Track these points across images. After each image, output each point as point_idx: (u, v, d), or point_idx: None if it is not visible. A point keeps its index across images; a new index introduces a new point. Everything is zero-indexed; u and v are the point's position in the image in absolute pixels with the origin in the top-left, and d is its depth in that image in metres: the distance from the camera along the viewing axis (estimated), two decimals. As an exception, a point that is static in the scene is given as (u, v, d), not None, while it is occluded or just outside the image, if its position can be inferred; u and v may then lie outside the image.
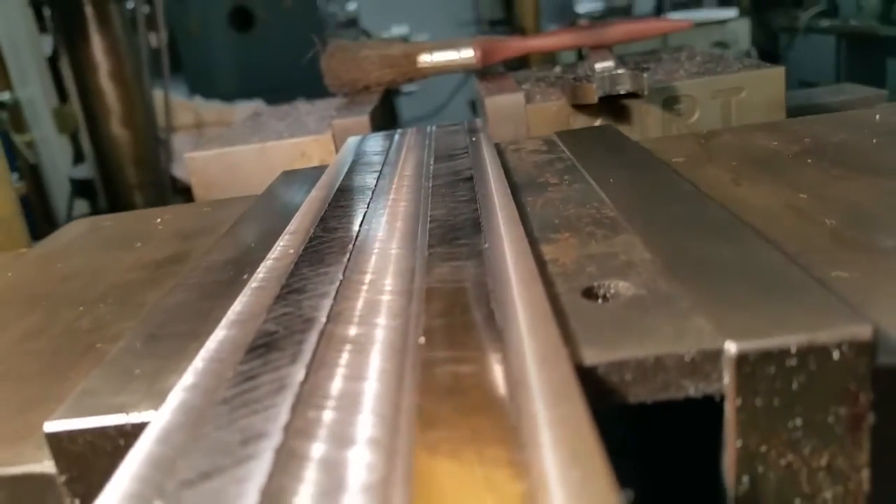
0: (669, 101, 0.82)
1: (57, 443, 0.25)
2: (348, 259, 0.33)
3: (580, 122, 0.83)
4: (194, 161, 0.82)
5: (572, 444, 0.17)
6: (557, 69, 1.06)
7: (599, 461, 0.17)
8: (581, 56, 1.30)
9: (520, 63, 1.60)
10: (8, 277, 0.47)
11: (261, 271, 0.33)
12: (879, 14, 2.96)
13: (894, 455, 0.25)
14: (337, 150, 0.81)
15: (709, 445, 0.25)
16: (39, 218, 2.10)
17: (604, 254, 0.32)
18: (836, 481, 0.24)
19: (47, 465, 0.26)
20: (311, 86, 1.28)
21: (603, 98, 0.78)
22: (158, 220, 0.56)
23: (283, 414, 0.21)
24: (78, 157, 2.58)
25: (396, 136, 0.61)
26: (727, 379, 0.23)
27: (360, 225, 0.38)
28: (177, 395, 0.23)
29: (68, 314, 0.39)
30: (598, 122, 0.83)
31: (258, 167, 0.82)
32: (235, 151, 0.83)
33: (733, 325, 0.23)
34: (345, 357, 0.24)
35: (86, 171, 2.30)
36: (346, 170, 0.52)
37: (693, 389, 0.23)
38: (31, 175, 2.19)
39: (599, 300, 0.28)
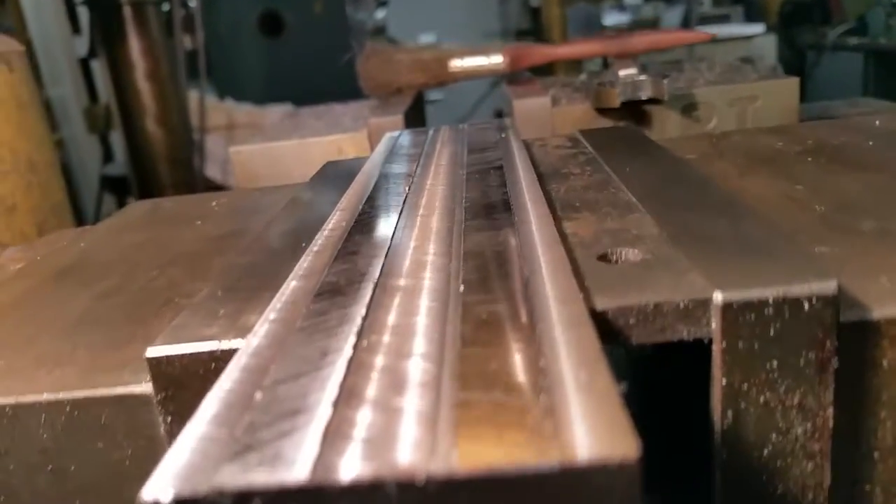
0: (688, 108, 0.86)
1: (156, 366, 0.30)
2: (394, 229, 0.38)
3: (603, 125, 0.88)
4: (238, 154, 0.88)
5: (582, 354, 0.22)
6: (583, 76, 1.11)
7: (602, 365, 0.21)
8: (606, 65, 1.35)
9: (546, 70, 1.65)
10: (81, 247, 0.53)
11: (318, 239, 0.38)
12: (909, 33, 2.98)
13: (852, 395, 0.30)
14: (372, 148, 0.86)
15: (699, 394, 0.30)
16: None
17: (617, 228, 0.36)
18: (805, 418, 0.29)
19: (145, 387, 0.31)
20: (339, 92, 1.33)
21: (625, 103, 0.83)
22: (214, 203, 0.61)
23: (350, 337, 0.26)
24: (107, 157, 2.66)
25: (431, 132, 0.66)
26: (715, 324, 0.27)
27: (404, 203, 0.43)
28: (261, 326, 0.28)
29: (143, 276, 0.44)
30: (621, 123, 0.87)
31: (298, 161, 0.88)
32: (277, 146, 0.88)
33: (722, 280, 0.28)
34: (397, 300, 0.29)
35: (118, 168, 2.38)
36: (386, 158, 0.57)
37: (686, 333, 0.28)
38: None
39: (612, 262, 0.33)
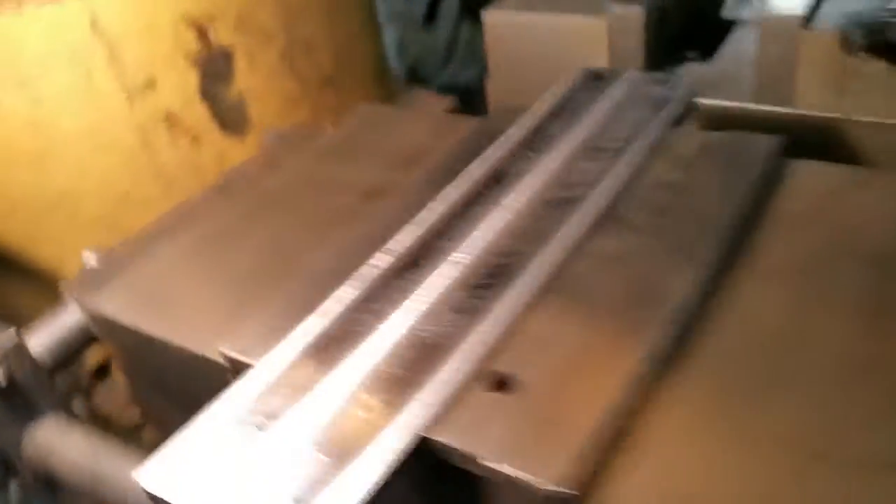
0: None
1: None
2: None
3: (852, 61, 0.78)
4: (492, 18, 0.96)
5: None
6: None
7: None
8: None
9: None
10: (286, 173, 0.73)
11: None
12: None
13: None
14: (609, 40, 0.87)
15: None
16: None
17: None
18: None
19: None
20: None
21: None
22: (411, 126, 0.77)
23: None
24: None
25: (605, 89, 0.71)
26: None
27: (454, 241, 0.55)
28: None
29: (291, 237, 0.64)
30: (872, 63, 0.77)
31: (546, 38, 0.93)
32: (528, 20, 0.94)
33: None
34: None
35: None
36: (511, 146, 0.65)
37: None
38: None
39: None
